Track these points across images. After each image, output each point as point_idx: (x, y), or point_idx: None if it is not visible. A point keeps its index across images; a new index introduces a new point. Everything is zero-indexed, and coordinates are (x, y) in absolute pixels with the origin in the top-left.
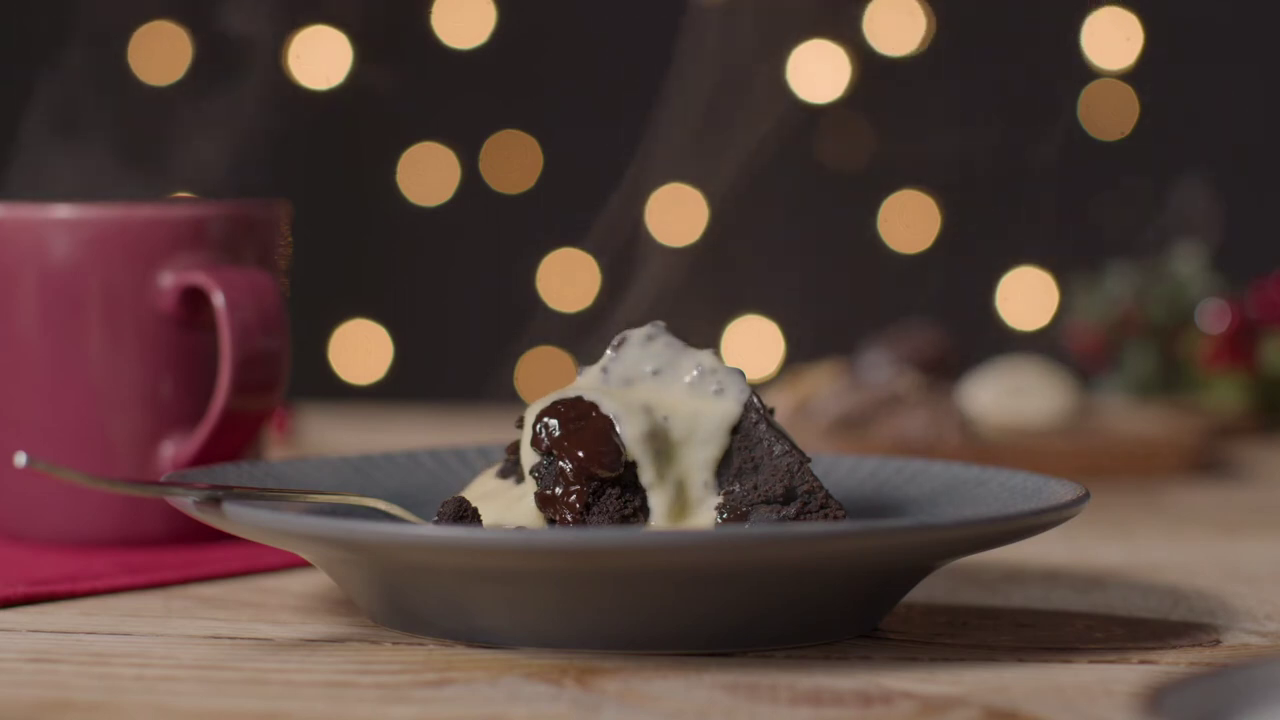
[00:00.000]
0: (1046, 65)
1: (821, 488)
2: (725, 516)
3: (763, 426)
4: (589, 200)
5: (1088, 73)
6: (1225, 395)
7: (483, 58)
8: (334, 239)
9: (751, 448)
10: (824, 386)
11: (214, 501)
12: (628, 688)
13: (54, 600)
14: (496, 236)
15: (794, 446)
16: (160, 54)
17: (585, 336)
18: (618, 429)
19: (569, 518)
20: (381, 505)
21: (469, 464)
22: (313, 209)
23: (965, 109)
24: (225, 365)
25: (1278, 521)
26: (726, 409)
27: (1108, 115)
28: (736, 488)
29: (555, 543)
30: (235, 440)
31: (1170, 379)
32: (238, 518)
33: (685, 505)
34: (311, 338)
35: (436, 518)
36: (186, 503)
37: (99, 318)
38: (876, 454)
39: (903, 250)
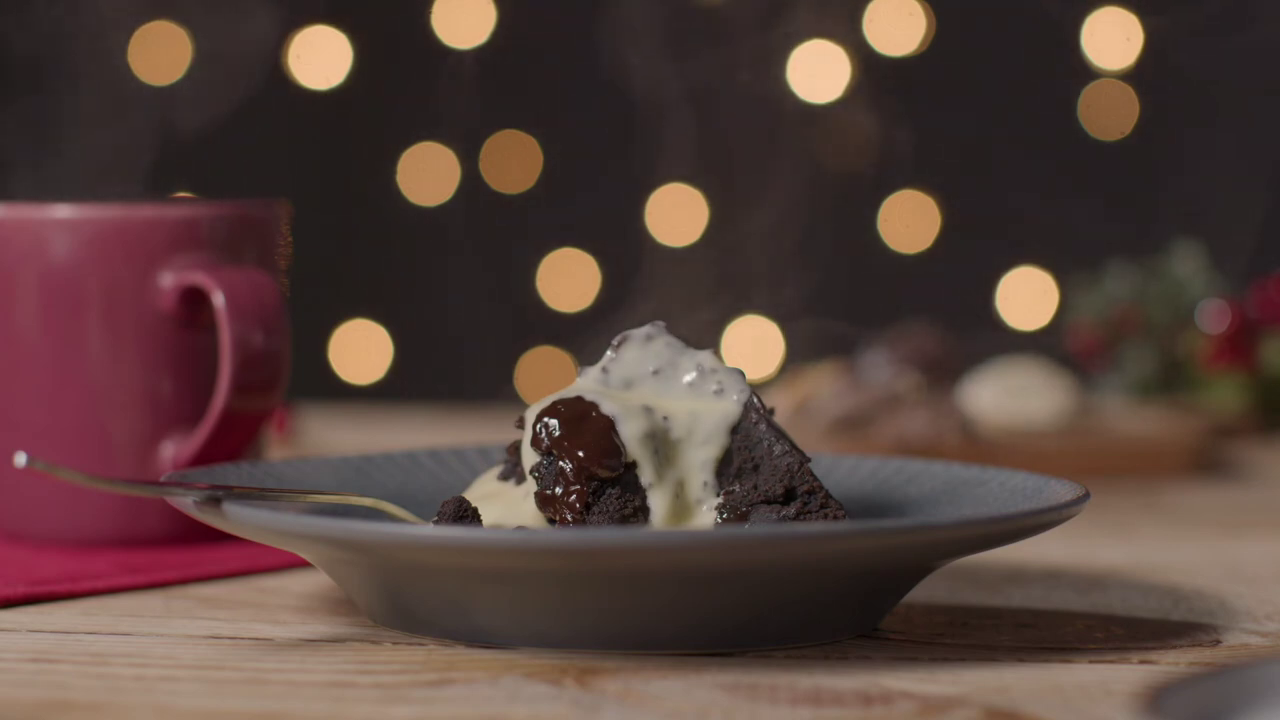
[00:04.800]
0: (1046, 65)
1: (821, 488)
2: (725, 516)
3: (763, 426)
4: (589, 200)
5: (1088, 73)
6: (1225, 395)
7: (483, 58)
8: (334, 239)
9: (751, 448)
10: (824, 386)
11: (214, 501)
12: (628, 688)
13: (54, 600)
14: (496, 236)
15: (794, 446)
16: (160, 54)
17: (585, 336)
18: (618, 429)
19: (569, 518)
20: (381, 505)
21: (469, 464)
22: (313, 209)
23: (965, 109)
24: (225, 365)
25: (1278, 521)
26: (726, 409)
27: (1108, 115)
28: (736, 488)
29: (555, 543)
30: (235, 440)
31: (1170, 379)
32: (238, 518)
33: (685, 505)
34: (311, 338)
35: (436, 518)
36: (186, 503)
37: (99, 318)
38: (876, 454)
39: (903, 250)
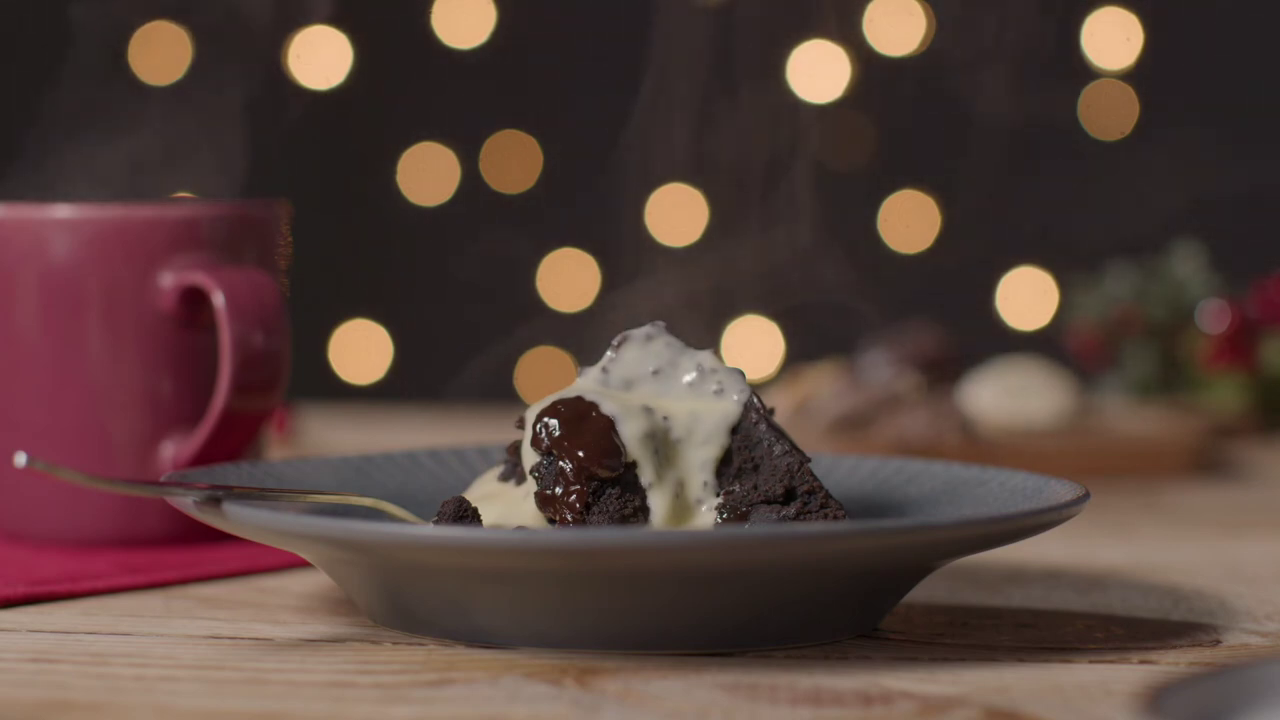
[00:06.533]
0: (1047, 65)
1: (821, 488)
2: (725, 516)
3: (763, 426)
4: (589, 200)
5: (1088, 73)
6: (1225, 395)
7: (483, 58)
8: (334, 239)
9: (751, 448)
10: (824, 386)
11: (214, 501)
12: (628, 688)
13: (54, 600)
14: (496, 236)
15: (794, 446)
16: (160, 54)
17: (585, 336)
18: (618, 429)
19: (569, 518)
20: (381, 505)
21: (469, 464)
22: (313, 209)
23: (965, 109)
24: (225, 365)
25: (1278, 521)
26: (726, 409)
27: (1108, 115)
28: (736, 488)
29: (555, 543)
30: (235, 440)
31: (1170, 379)
32: (238, 518)
33: (685, 505)
34: (311, 338)
35: (436, 518)
36: (186, 503)
37: (99, 318)
38: (876, 454)
39: (903, 250)
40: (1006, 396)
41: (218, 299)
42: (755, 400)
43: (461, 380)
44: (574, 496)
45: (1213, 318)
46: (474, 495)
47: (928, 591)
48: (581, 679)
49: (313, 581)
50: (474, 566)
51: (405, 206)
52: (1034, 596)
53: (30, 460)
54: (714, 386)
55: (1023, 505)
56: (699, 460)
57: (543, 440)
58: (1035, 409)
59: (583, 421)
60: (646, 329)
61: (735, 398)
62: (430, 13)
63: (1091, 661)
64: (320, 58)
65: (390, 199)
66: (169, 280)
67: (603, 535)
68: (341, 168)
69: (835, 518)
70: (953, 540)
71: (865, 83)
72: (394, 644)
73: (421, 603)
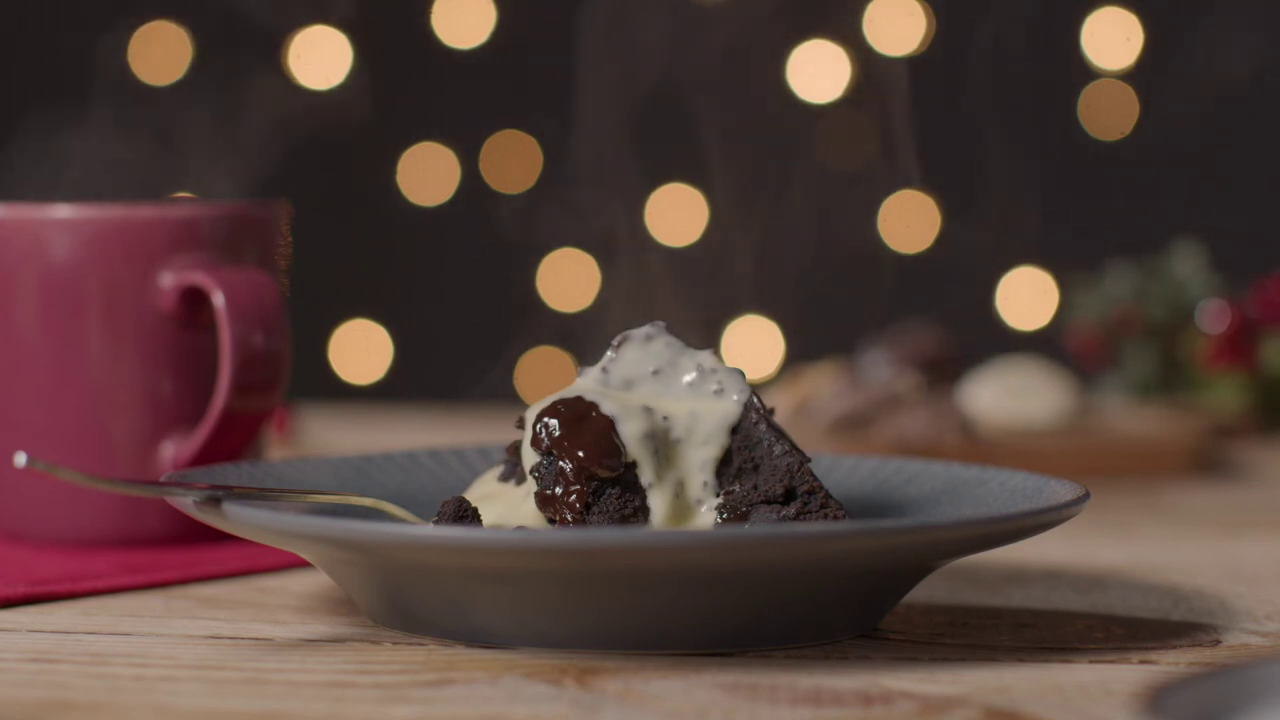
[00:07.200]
0: (1047, 65)
1: (821, 488)
2: (725, 516)
3: (763, 426)
4: (589, 200)
5: (1088, 73)
6: (1225, 395)
7: (483, 58)
8: (334, 239)
9: (751, 448)
10: (824, 386)
11: (214, 501)
12: (628, 688)
13: (54, 600)
14: (496, 236)
15: (794, 446)
16: (160, 54)
17: (585, 336)
18: (618, 429)
19: (569, 518)
20: (381, 505)
21: (469, 464)
22: (313, 209)
23: (965, 109)
24: (225, 365)
25: (1278, 521)
26: (726, 409)
27: (1108, 115)
28: (736, 488)
29: (555, 543)
30: (235, 440)
31: (1170, 379)
32: (238, 518)
33: (685, 505)
34: (311, 338)
35: (436, 518)
36: (186, 503)
37: (99, 318)
38: (876, 454)
39: (903, 250)
40: (1006, 396)
41: (218, 299)
42: (755, 400)
43: (461, 380)
44: (574, 496)
45: (1213, 318)
46: (474, 495)
47: (928, 591)
48: (581, 679)
49: (313, 581)
50: (474, 566)
51: (405, 206)
52: (1034, 596)
53: (30, 460)
54: (714, 386)
55: (1023, 505)
56: (699, 460)
57: (543, 440)
58: (1035, 409)
59: (583, 421)
60: (646, 329)
61: (735, 398)
62: (430, 13)
63: (1091, 661)
64: (320, 58)
65: (390, 199)
66: (169, 280)
67: (603, 535)
68: (341, 168)
69: (835, 518)
70: (953, 540)
71: (865, 83)
72: (394, 644)
73: (421, 603)
